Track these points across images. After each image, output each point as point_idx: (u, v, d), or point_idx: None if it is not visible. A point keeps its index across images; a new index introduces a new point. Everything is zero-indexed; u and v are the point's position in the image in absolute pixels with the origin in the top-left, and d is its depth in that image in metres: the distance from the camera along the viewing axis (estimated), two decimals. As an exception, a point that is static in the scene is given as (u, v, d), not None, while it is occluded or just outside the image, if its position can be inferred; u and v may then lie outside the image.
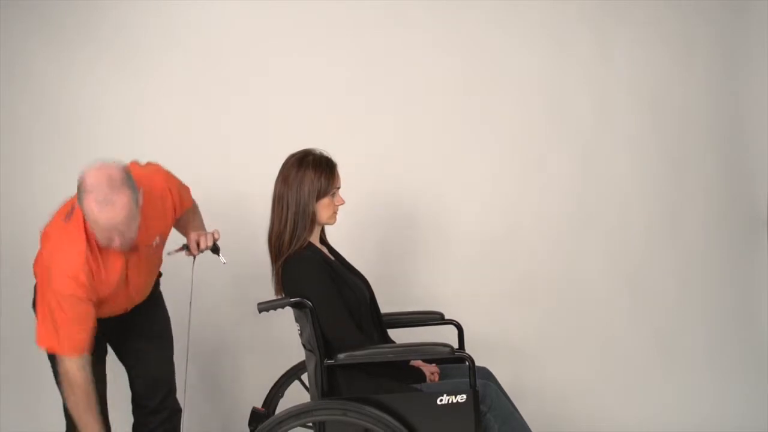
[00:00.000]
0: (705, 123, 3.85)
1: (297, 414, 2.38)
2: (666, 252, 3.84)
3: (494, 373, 2.75)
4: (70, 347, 2.44)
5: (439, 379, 2.62)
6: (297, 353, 2.78)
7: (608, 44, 3.78)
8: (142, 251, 2.63)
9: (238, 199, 3.62)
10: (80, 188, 2.39)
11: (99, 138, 3.63)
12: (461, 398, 2.38)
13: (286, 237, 2.52)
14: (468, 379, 2.42)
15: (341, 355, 2.40)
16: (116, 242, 2.42)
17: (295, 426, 2.40)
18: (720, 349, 3.83)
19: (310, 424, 2.51)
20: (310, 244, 2.55)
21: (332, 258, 2.65)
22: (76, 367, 2.44)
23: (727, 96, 3.86)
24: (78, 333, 2.44)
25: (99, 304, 2.52)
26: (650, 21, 3.79)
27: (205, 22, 3.64)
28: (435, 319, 2.92)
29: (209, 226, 2.92)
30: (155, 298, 2.87)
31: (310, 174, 2.52)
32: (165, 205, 2.70)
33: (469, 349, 2.66)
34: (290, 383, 2.95)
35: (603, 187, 3.81)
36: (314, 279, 2.47)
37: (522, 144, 3.78)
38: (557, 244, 3.79)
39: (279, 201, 2.55)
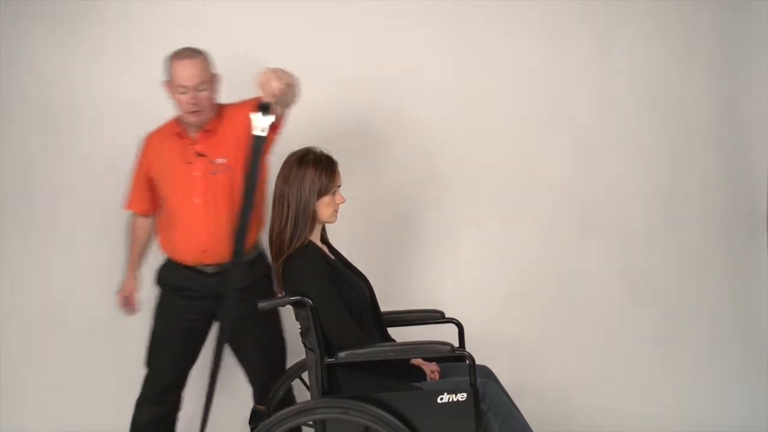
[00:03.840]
0: (705, 123, 3.85)
1: (297, 412, 2.39)
2: (666, 251, 3.84)
3: (494, 371, 2.75)
4: (126, 200, 3.12)
5: (440, 378, 2.62)
6: (297, 352, 2.79)
7: (608, 44, 3.78)
8: (207, 164, 2.88)
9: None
10: (167, 61, 2.88)
11: (100, 132, 3.64)
12: (461, 397, 2.38)
13: (287, 235, 2.52)
14: (468, 378, 2.42)
15: (342, 354, 2.40)
16: (193, 102, 2.82)
17: (296, 425, 2.40)
18: (720, 349, 3.83)
19: (311, 423, 2.51)
20: (311, 243, 2.55)
21: (332, 257, 2.65)
22: (132, 219, 3.14)
23: (727, 96, 3.86)
24: (133, 192, 3.09)
25: (166, 190, 2.95)
26: (650, 21, 3.79)
27: (206, 15, 3.63)
28: (435, 317, 2.92)
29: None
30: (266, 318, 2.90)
31: (310, 172, 2.53)
32: (238, 128, 2.86)
33: (469, 347, 2.67)
34: (291, 382, 2.95)
35: (603, 186, 3.81)
36: (315, 277, 2.47)
37: (521, 143, 3.78)
38: (557, 243, 3.79)
39: (280, 199, 2.55)
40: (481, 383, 2.47)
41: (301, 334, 2.59)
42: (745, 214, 3.88)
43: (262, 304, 2.48)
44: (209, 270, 2.92)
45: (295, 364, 2.93)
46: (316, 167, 2.54)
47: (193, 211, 2.89)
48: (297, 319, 2.60)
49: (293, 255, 2.51)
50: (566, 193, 3.80)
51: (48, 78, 3.63)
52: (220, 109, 2.96)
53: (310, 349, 2.52)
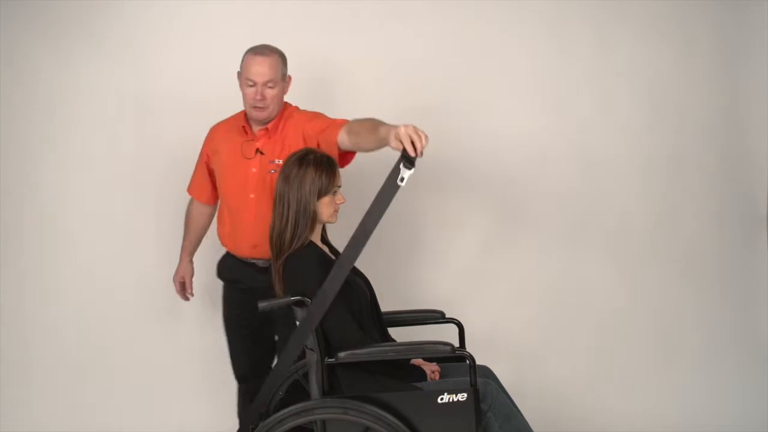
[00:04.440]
0: (705, 122, 3.85)
1: (297, 412, 2.39)
2: (666, 251, 3.84)
3: (495, 371, 2.75)
4: (189, 186, 3.19)
5: (440, 378, 2.62)
6: (297, 352, 2.78)
7: (608, 43, 3.79)
8: (265, 162, 2.90)
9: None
10: (244, 53, 2.92)
11: (100, 132, 3.65)
12: (462, 397, 2.38)
13: (287, 235, 2.53)
14: (468, 378, 2.42)
15: (342, 354, 2.40)
16: (258, 98, 2.85)
17: (296, 424, 2.40)
18: (719, 349, 3.83)
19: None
20: (311, 243, 2.56)
21: (333, 257, 2.65)
22: (189, 204, 3.22)
23: (726, 95, 3.86)
24: (194, 178, 3.17)
25: (222, 182, 3.01)
26: (650, 20, 3.79)
27: (204, 16, 3.63)
28: (436, 317, 2.92)
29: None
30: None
31: (311, 172, 2.54)
32: (301, 137, 2.89)
33: (469, 347, 2.66)
34: (290, 382, 2.95)
35: (603, 186, 3.82)
36: (315, 277, 2.47)
37: (522, 143, 3.77)
38: (557, 243, 3.79)
39: (280, 199, 2.56)
40: (481, 383, 2.47)
41: (302, 334, 2.59)
42: (745, 214, 3.88)
43: (263, 305, 2.48)
44: (261, 264, 2.94)
45: (295, 364, 2.93)
46: (316, 167, 2.55)
47: (247, 205, 2.93)
48: (297, 319, 2.60)
49: (294, 255, 2.52)
50: (566, 193, 3.80)
51: (48, 78, 3.63)
52: (289, 111, 2.99)
53: (310, 349, 2.52)
